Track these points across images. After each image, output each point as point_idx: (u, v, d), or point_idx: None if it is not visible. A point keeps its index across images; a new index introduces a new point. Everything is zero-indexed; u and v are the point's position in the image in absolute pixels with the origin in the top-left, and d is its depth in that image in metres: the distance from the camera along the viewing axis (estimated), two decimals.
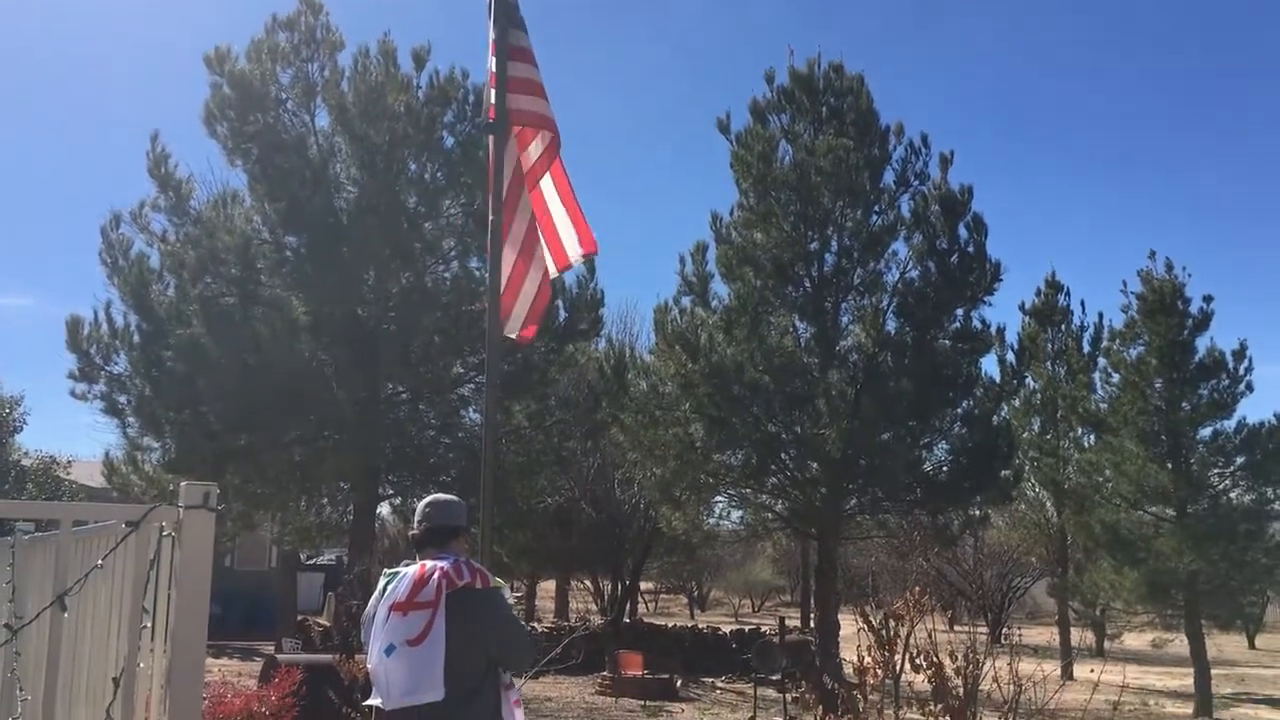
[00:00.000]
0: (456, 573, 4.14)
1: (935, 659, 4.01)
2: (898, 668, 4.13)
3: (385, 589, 4.23)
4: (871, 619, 4.14)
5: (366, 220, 13.75)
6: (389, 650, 4.07)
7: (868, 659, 4.08)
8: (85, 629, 3.18)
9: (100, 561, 2.52)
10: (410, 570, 4.20)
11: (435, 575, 4.11)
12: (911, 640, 4.15)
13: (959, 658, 3.99)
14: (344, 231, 13.78)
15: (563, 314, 14.57)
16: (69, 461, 21.05)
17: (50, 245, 70.23)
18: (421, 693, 3.99)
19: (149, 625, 2.75)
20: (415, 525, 4.45)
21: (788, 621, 23.15)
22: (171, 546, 2.75)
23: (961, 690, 3.96)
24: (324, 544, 20.52)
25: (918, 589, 4.17)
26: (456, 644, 4.06)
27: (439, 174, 14.67)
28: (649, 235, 71.27)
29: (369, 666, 4.27)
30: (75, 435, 68.49)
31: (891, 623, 4.16)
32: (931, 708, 3.99)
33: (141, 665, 2.79)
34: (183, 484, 2.75)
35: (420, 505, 4.54)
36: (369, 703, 4.28)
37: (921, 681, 3.91)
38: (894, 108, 52.79)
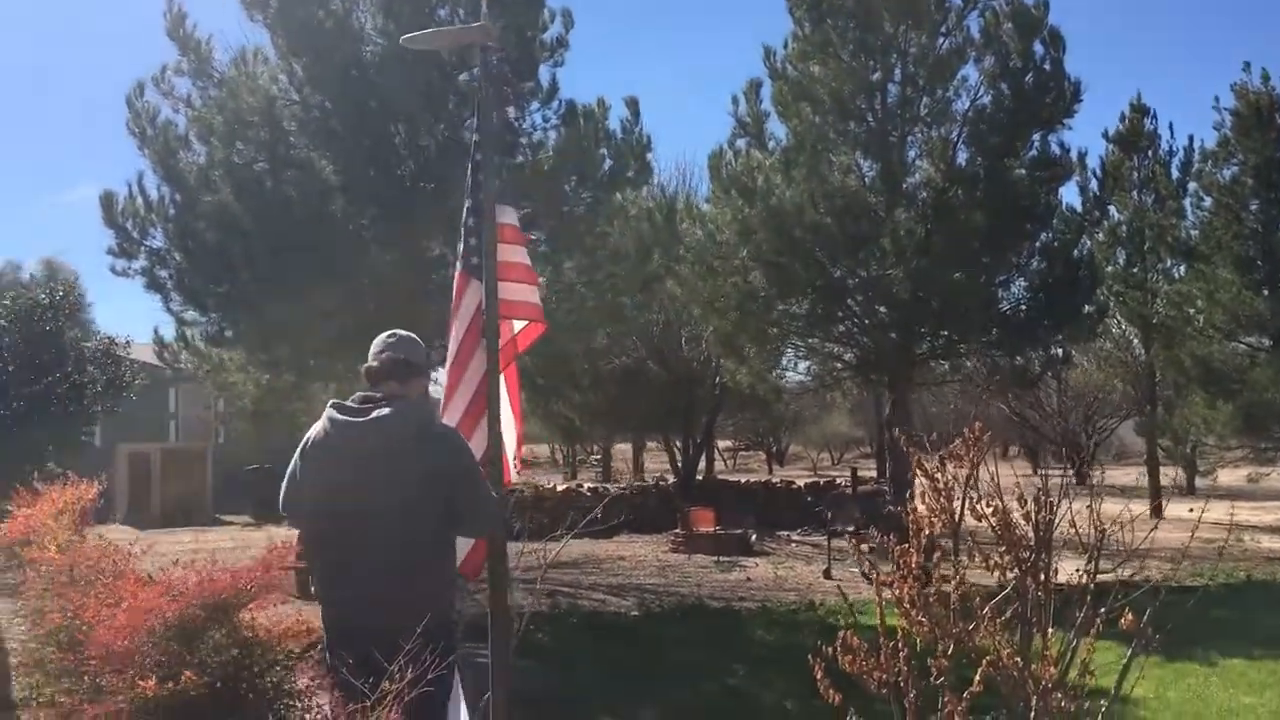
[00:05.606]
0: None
1: (999, 503, 3.39)
2: (957, 515, 3.53)
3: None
4: (925, 464, 3.55)
5: (394, 72, 12.98)
6: None
7: (922, 507, 3.50)
8: None
9: None
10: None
11: None
12: (972, 484, 3.56)
13: (1029, 502, 3.37)
14: (372, 86, 13.05)
15: (608, 162, 13.75)
16: (128, 342, 20.95)
17: (106, 134, 70.59)
18: None
19: None
20: (374, 358, 3.92)
21: (862, 473, 22.80)
22: None
23: (1033, 537, 3.36)
24: None
25: (978, 425, 3.51)
26: (411, 491, 3.51)
27: (470, 20, 13.75)
28: (701, 85, 69.47)
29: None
30: (134, 316, 69.84)
31: (949, 466, 3.55)
32: (998, 559, 3.39)
33: None
34: None
35: (381, 336, 4.01)
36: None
37: (987, 530, 3.32)
38: None
